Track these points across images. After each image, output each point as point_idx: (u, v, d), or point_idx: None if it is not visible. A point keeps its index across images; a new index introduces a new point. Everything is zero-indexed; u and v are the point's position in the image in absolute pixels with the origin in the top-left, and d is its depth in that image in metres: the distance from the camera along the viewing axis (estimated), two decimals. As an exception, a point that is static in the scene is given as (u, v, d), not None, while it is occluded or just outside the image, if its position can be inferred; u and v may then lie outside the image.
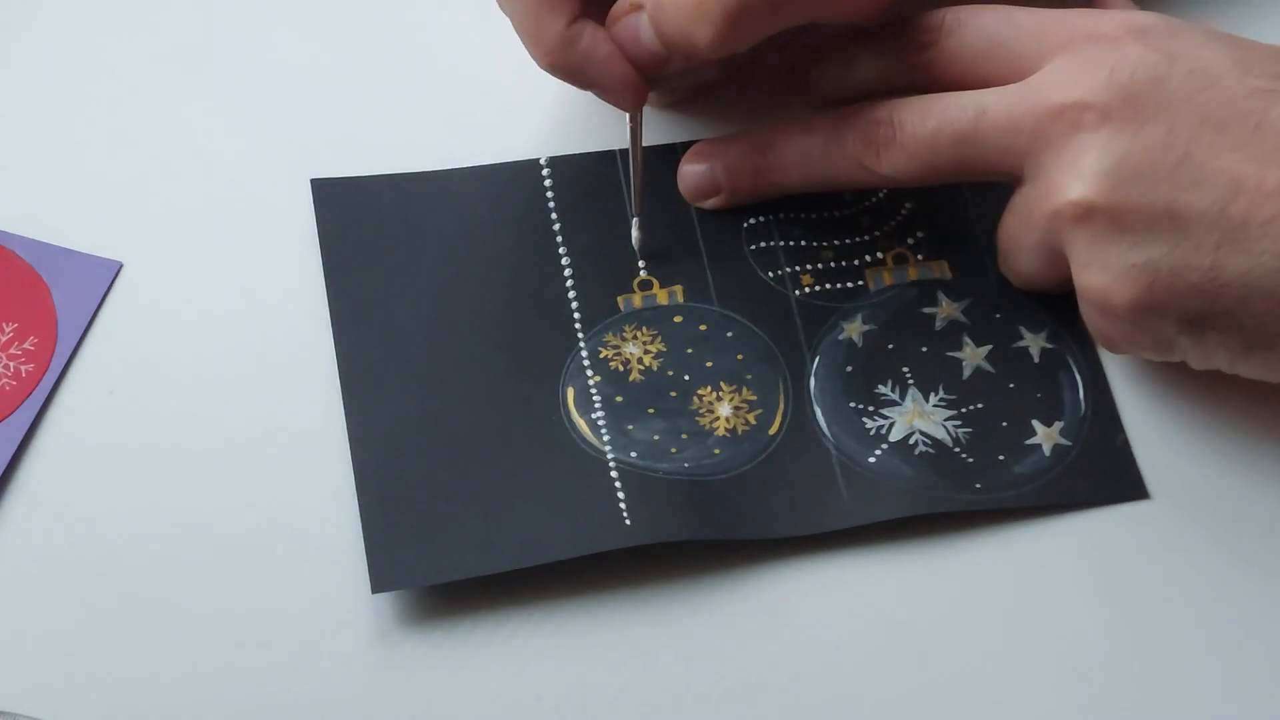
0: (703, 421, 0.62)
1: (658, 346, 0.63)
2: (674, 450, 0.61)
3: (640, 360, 0.63)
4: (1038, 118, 0.58)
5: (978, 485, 0.60)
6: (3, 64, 0.69)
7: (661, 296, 0.64)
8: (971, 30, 0.61)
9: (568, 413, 0.62)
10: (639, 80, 0.62)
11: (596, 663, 0.59)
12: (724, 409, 0.62)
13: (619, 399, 0.62)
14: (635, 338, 0.63)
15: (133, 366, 0.63)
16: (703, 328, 0.63)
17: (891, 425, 0.62)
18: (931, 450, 0.61)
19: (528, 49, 0.62)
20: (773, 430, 0.62)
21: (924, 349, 0.63)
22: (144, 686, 0.58)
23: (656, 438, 0.61)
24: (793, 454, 0.61)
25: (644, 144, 0.65)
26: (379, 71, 0.69)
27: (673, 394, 0.62)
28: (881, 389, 0.62)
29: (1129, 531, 0.61)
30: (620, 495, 0.60)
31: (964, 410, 0.62)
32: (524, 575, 0.59)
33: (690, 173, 0.65)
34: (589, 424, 0.62)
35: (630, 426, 0.62)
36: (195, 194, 0.66)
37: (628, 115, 0.64)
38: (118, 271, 0.64)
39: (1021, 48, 0.60)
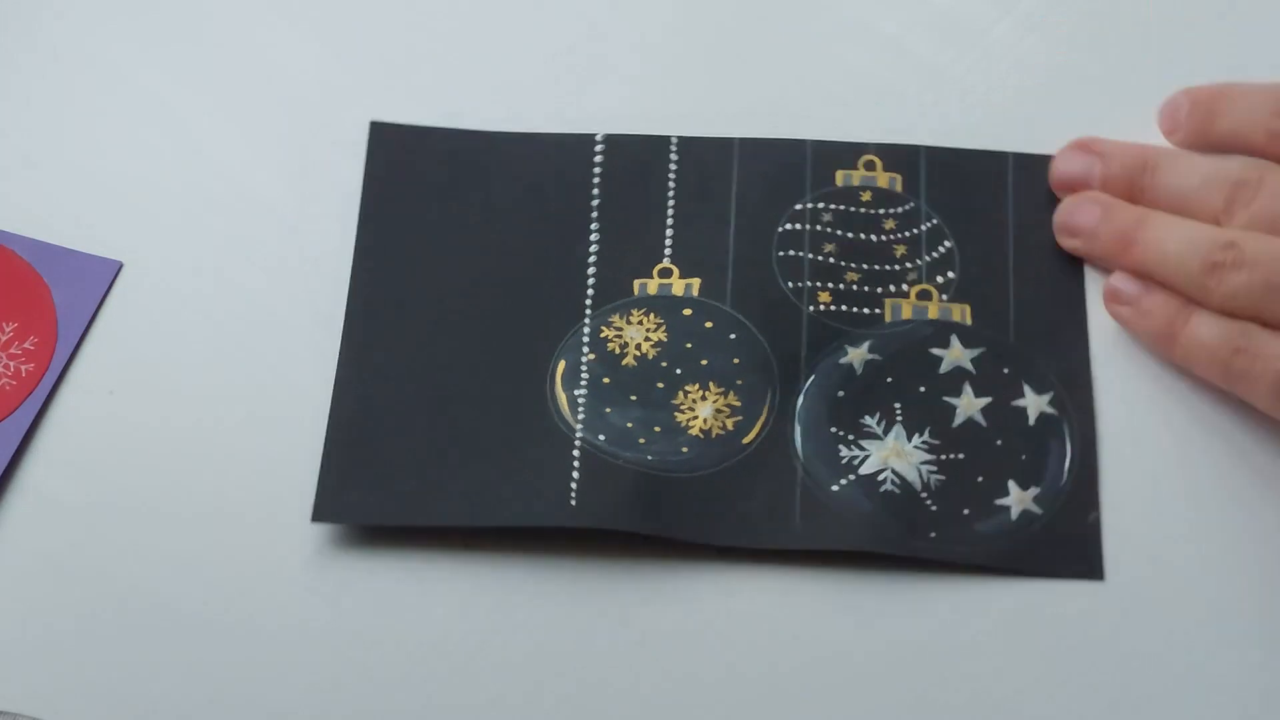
0: (681, 418, 0.62)
1: (659, 335, 0.63)
2: (642, 441, 0.61)
3: (639, 346, 0.63)
4: None
5: (932, 534, 0.60)
6: (3, 65, 0.69)
7: (677, 287, 0.64)
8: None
9: (553, 384, 0.62)
10: None
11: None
12: (706, 409, 0.62)
13: (606, 380, 0.62)
14: (640, 323, 0.63)
15: (133, 366, 0.63)
16: (709, 325, 0.63)
17: (866, 458, 0.61)
18: (897, 490, 0.60)
19: None
20: (747, 439, 0.61)
21: (922, 389, 0.62)
22: (144, 686, 0.58)
23: (629, 425, 0.61)
24: (759, 466, 0.61)
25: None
26: (381, 72, 0.69)
27: (660, 385, 0.62)
28: (867, 420, 0.62)
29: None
30: (575, 475, 0.60)
31: (944, 458, 0.61)
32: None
33: (1065, 169, 0.64)
34: (569, 399, 0.62)
35: (608, 409, 0.62)
36: (195, 194, 0.66)
37: None
38: (118, 271, 0.64)
39: None
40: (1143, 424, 0.61)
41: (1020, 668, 0.58)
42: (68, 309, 0.63)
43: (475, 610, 0.59)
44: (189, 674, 0.58)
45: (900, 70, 0.67)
